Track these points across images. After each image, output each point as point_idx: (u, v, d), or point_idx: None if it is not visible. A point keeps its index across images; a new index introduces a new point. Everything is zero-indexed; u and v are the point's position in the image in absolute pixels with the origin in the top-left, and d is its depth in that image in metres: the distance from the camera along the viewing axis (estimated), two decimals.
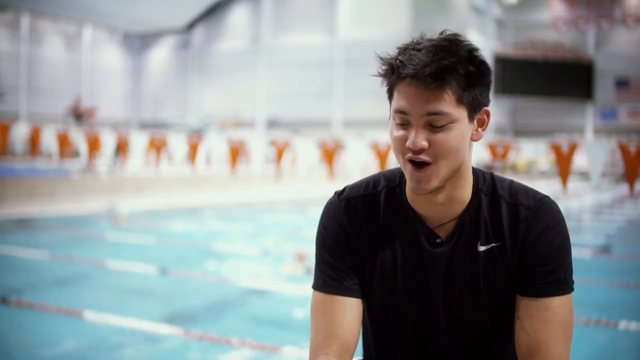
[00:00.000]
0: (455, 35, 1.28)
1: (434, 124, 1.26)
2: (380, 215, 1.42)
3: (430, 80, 1.23)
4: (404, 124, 1.29)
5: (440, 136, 1.26)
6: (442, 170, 1.28)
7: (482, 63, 1.28)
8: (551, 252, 1.34)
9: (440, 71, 1.23)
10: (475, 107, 1.30)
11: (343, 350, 1.35)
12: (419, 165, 1.28)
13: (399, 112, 1.28)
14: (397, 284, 1.40)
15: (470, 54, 1.26)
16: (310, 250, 7.42)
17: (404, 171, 1.33)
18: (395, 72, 1.28)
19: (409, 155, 1.28)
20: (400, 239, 1.40)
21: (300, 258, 7.61)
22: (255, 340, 4.07)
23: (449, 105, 1.25)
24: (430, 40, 1.27)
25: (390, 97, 1.33)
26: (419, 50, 1.26)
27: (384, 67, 1.31)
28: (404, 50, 1.29)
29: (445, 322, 1.40)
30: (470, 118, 1.30)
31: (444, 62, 1.23)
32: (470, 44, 1.28)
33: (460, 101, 1.26)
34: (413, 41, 1.29)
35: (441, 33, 1.30)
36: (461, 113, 1.27)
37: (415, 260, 1.39)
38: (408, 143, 1.27)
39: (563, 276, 1.34)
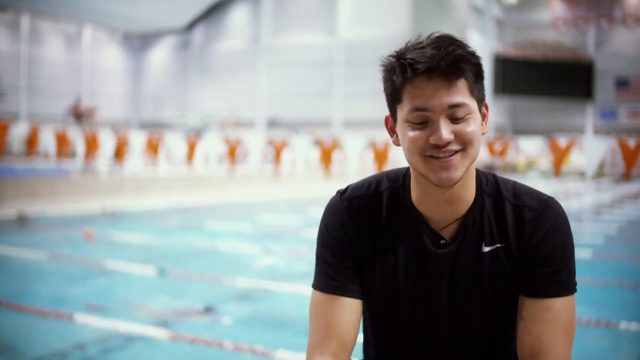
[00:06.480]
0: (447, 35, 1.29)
1: (455, 116, 1.25)
2: (383, 215, 1.40)
3: (452, 69, 1.22)
4: (422, 122, 1.26)
5: (462, 126, 1.26)
6: (466, 160, 1.28)
7: (480, 57, 1.29)
8: (555, 253, 1.33)
9: (458, 60, 1.23)
10: (481, 100, 1.31)
11: (339, 350, 1.34)
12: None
13: (418, 110, 1.25)
14: (398, 285, 1.39)
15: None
16: (309, 251, 7.42)
17: (423, 169, 1.28)
18: (409, 70, 1.24)
19: (434, 152, 1.25)
20: (403, 239, 1.38)
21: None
22: (252, 341, 4.06)
23: (466, 97, 1.25)
24: (428, 38, 1.27)
25: (396, 100, 1.30)
26: (423, 47, 1.25)
27: (388, 71, 1.29)
28: (405, 51, 1.27)
29: (448, 322, 1.39)
30: (480, 111, 1.31)
31: (459, 52, 1.23)
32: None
33: (472, 93, 1.27)
34: (407, 44, 1.28)
35: (428, 37, 1.28)
36: (474, 105, 1.28)
37: (419, 261, 1.38)
38: (433, 139, 1.24)
39: (566, 277, 1.33)
